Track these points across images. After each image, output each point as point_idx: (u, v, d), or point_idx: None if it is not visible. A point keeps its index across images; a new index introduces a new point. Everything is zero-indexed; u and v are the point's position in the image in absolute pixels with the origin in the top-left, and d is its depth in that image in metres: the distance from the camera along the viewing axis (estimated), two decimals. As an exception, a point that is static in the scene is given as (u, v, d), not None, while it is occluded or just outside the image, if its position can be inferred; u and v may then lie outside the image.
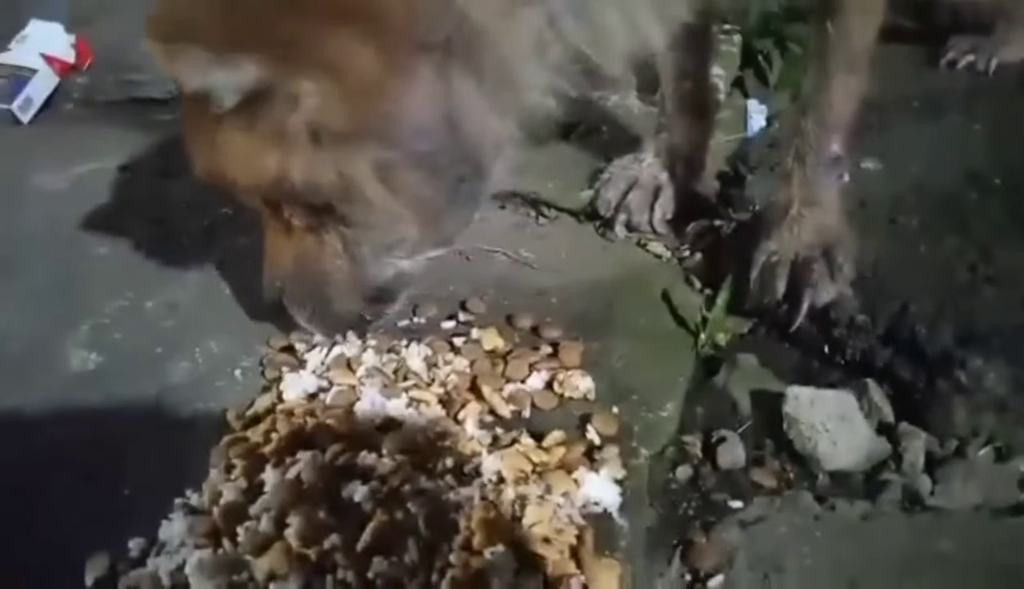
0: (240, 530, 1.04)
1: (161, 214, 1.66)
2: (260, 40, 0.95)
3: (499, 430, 1.21)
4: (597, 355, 1.34)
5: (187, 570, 1.02)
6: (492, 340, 1.34)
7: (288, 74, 0.98)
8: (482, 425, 1.22)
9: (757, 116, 1.93)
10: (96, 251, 1.58)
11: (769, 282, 1.39)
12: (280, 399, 1.26)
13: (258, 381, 1.32)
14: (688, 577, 1.07)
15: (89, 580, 1.06)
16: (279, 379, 1.29)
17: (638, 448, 1.21)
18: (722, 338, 1.40)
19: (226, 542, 1.04)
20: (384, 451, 1.12)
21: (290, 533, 1.02)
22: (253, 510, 1.07)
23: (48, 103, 2.08)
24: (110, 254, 1.58)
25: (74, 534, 1.11)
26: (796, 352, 1.38)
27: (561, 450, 1.17)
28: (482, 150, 1.12)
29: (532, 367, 1.30)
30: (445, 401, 1.25)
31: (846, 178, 1.41)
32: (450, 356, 1.32)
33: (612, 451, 1.18)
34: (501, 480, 1.11)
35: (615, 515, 1.12)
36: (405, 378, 1.29)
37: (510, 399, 1.25)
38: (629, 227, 1.61)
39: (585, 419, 1.23)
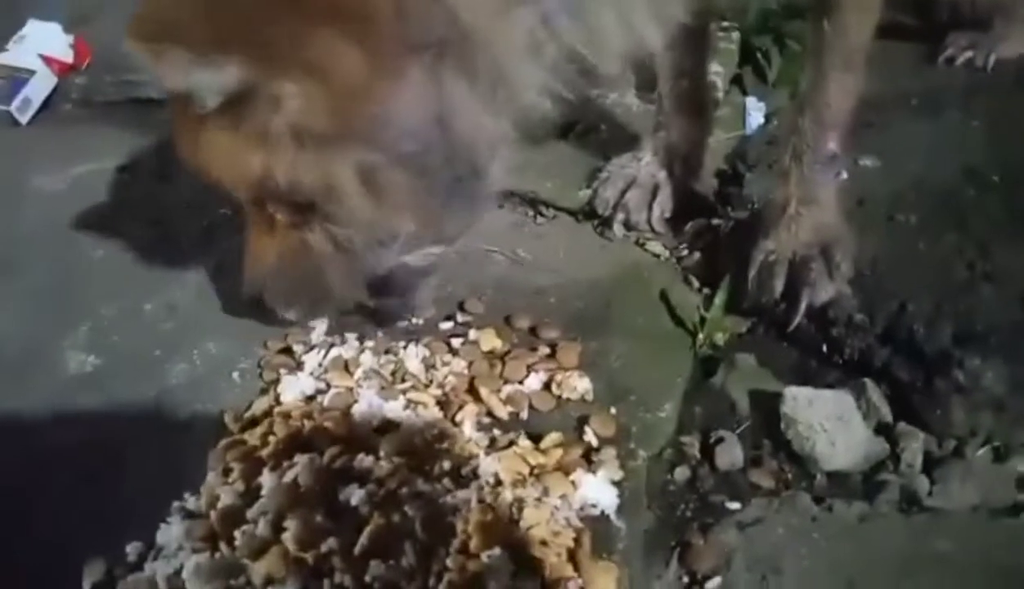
0: (237, 534, 1.05)
1: (160, 215, 1.66)
2: (243, 41, 0.94)
3: (497, 432, 1.21)
4: (595, 355, 1.34)
5: (184, 574, 1.02)
6: (490, 341, 1.34)
7: (270, 75, 0.97)
8: (480, 427, 1.22)
9: (756, 114, 1.92)
10: (94, 252, 1.58)
11: (767, 281, 1.39)
12: (278, 401, 1.26)
13: (256, 383, 1.32)
14: (686, 579, 1.07)
15: (87, 585, 1.06)
16: (277, 381, 1.29)
17: (636, 449, 1.21)
18: (720, 338, 1.40)
19: (223, 546, 1.05)
20: (381, 453, 1.12)
21: (287, 537, 1.02)
22: (250, 514, 1.07)
23: (46, 104, 2.08)
24: (108, 255, 1.57)
25: (73, 536, 1.11)
26: (794, 352, 1.38)
27: (559, 452, 1.17)
28: (477, 150, 1.11)
29: (530, 368, 1.30)
30: (443, 403, 1.24)
31: (844, 176, 1.41)
32: (448, 357, 1.32)
33: (610, 453, 1.18)
34: (499, 482, 1.11)
35: (613, 517, 1.12)
36: (403, 380, 1.29)
37: (508, 400, 1.25)
38: (627, 226, 1.61)
39: (583, 420, 1.23)
